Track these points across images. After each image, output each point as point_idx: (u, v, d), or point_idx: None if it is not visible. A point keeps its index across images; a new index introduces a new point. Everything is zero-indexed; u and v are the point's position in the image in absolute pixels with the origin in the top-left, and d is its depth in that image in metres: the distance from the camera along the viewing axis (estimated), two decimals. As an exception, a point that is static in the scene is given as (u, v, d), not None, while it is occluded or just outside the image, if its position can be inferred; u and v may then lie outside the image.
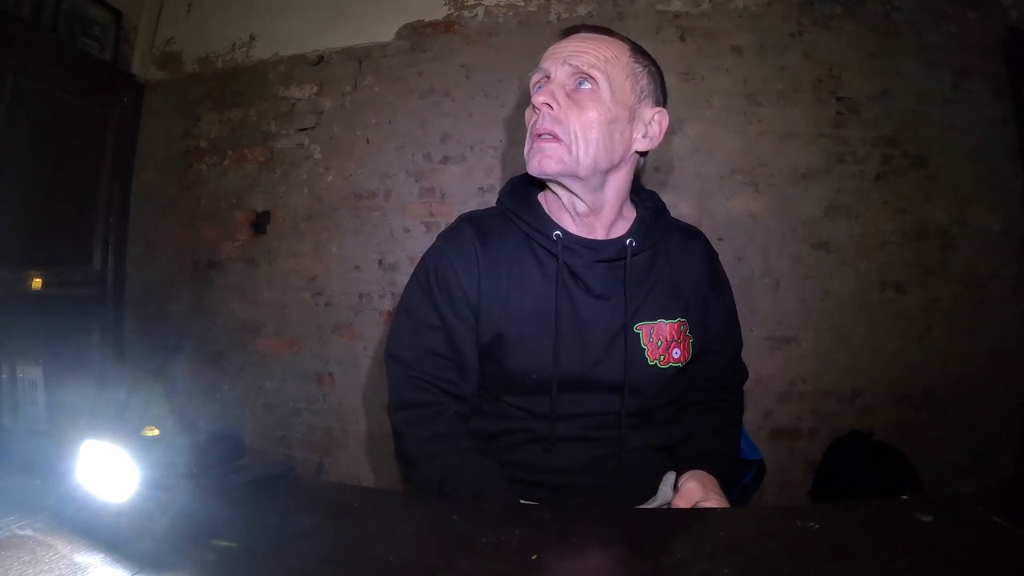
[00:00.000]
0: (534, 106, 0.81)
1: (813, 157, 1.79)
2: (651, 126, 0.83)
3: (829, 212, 1.79)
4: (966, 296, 1.78)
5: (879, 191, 1.78)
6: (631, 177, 0.87)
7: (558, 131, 0.78)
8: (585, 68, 0.78)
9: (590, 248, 0.83)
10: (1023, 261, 1.78)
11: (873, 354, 1.78)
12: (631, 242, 0.84)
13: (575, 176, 0.80)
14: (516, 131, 1.85)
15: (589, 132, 0.78)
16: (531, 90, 0.84)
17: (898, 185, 1.78)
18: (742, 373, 0.99)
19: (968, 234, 1.78)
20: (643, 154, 0.86)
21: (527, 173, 0.84)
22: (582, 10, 1.87)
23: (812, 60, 1.80)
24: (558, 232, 0.83)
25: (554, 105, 0.78)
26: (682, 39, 1.83)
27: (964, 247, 1.78)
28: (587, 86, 0.79)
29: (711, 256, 0.93)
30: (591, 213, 0.84)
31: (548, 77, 0.81)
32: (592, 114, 0.78)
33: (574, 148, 0.78)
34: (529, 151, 0.81)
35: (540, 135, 0.79)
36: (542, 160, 0.79)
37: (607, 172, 0.82)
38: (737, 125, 1.81)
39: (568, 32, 0.84)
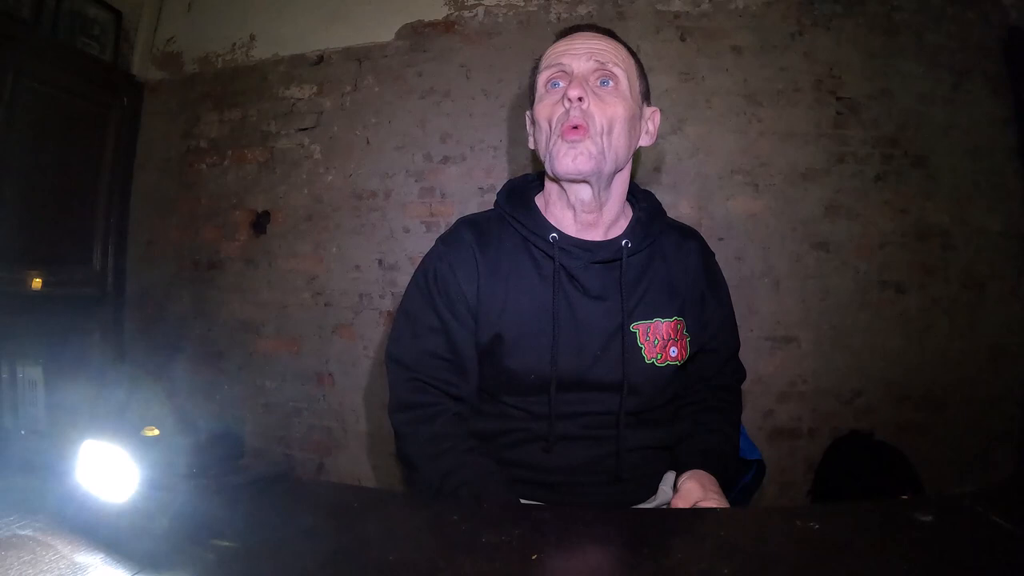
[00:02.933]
0: (567, 98, 0.78)
1: (813, 157, 1.79)
2: (649, 123, 0.86)
3: (829, 212, 1.79)
4: (966, 296, 1.78)
5: (879, 191, 1.78)
6: (630, 173, 0.88)
7: (590, 125, 0.78)
8: (609, 65, 0.79)
9: (586, 250, 0.83)
10: (1023, 261, 1.78)
11: (873, 354, 1.78)
12: (627, 243, 0.84)
13: (600, 172, 0.80)
14: (516, 131, 1.85)
15: (615, 127, 0.79)
16: (540, 88, 0.84)
17: (898, 185, 1.78)
18: (740, 373, 0.99)
19: (968, 234, 1.78)
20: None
21: (525, 174, 0.84)
22: (582, 10, 1.87)
23: (812, 60, 1.79)
24: (554, 235, 0.84)
25: (586, 98, 0.78)
26: (682, 39, 1.83)
27: (964, 247, 1.78)
28: (609, 84, 0.80)
29: (707, 255, 0.93)
30: (596, 210, 0.84)
31: (566, 72, 0.81)
32: (619, 109, 0.79)
33: (602, 142, 0.78)
34: (556, 148, 0.80)
35: (575, 127, 0.78)
36: (577, 158, 0.78)
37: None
38: (737, 125, 1.81)
39: (569, 31, 0.84)
